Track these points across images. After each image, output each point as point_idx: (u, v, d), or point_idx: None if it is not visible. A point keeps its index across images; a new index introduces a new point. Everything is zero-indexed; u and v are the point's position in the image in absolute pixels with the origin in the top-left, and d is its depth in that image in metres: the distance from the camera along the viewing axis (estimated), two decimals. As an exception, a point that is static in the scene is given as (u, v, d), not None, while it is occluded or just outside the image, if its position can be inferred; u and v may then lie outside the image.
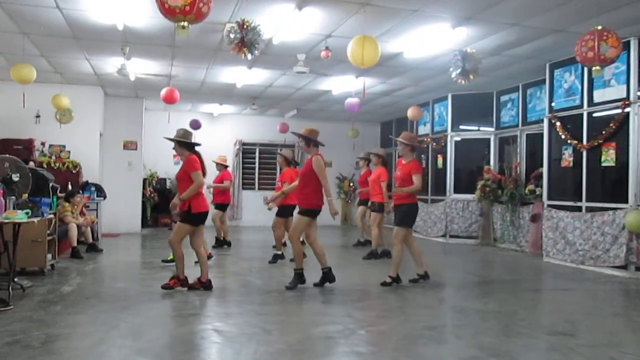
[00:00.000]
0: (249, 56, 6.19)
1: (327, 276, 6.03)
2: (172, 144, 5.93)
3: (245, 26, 5.85)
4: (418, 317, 4.84)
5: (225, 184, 9.27)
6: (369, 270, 7.51)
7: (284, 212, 7.92)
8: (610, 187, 7.55)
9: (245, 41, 5.88)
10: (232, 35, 5.94)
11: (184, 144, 5.82)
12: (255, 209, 13.85)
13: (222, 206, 9.35)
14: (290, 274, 6.14)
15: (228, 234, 9.68)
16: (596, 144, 7.49)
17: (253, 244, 10.28)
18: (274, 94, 11.52)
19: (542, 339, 4.18)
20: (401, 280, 6.26)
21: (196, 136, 12.93)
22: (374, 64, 6.29)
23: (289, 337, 4.20)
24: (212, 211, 9.52)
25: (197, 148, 5.89)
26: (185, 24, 4.36)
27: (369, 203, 8.74)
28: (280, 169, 8.83)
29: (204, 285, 5.74)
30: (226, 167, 9.56)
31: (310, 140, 6.11)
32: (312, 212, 5.96)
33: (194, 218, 5.68)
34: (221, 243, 9.48)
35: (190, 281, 5.77)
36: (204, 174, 5.72)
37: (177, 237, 5.64)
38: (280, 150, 8.91)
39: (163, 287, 5.65)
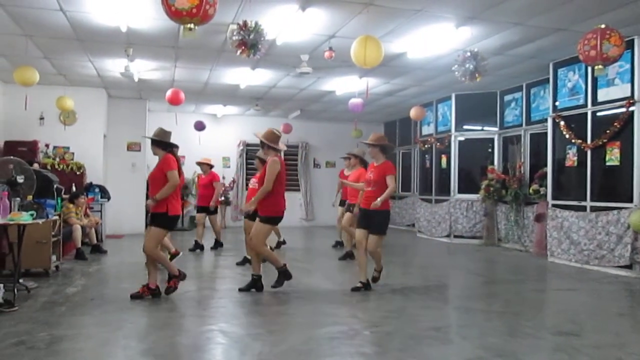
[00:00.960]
0: (253, 57, 6.18)
1: (257, 284, 5.96)
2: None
3: (247, 27, 5.85)
4: (423, 317, 4.83)
5: (217, 186, 9.24)
6: (369, 270, 7.48)
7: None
8: (615, 186, 7.51)
9: (247, 42, 5.88)
10: (234, 37, 5.94)
11: (158, 143, 5.61)
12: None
13: (215, 209, 9.36)
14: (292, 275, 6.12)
15: (203, 237, 9.42)
16: (600, 143, 7.46)
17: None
18: (277, 94, 11.52)
19: (548, 339, 4.17)
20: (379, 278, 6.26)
21: (201, 137, 12.73)
22: (377, 64, 6.28)
23: (293, 337, 4.20)
24: (209, 216, 9.48)
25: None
26: (192, 25, 4.35)
27: (346, 204, 8.35)
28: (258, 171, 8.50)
29: (153, 292, 5.45)
30: (211, 167, 9.51)
31: (264, 144, 5.96)
32: (274, 220, 5.88)
33: (171, 221, 5.45)
34: (220, 244, 9.49)
35: (137, 290, 5.49)
36: (180, 175, 5.46)
37: (154, 244, 5.40)
38: (257, 153, 8.36)
39: (166, 292, 5.49)
